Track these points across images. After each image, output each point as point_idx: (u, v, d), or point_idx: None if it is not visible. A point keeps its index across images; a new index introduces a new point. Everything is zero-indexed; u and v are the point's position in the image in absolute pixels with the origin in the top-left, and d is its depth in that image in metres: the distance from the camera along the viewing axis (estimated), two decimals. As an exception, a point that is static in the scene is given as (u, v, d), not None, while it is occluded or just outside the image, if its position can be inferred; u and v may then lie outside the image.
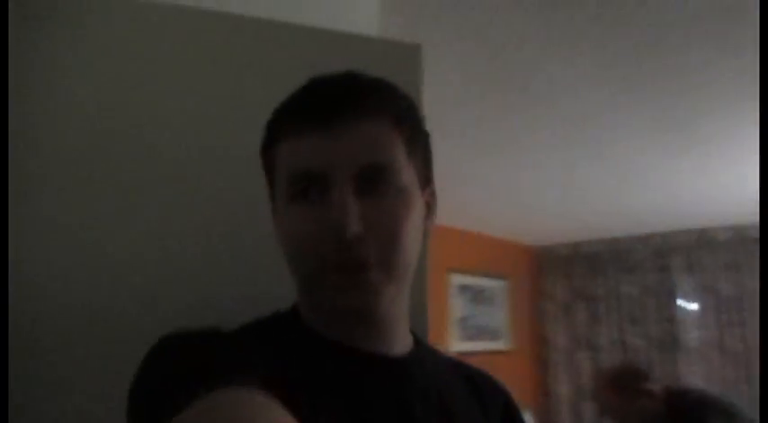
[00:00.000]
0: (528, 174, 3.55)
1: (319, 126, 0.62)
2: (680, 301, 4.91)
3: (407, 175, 0.64)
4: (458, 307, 4.67)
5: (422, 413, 0.65)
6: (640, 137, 2.94)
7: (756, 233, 4.59)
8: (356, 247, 0.59)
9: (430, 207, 0.71)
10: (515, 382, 4.75)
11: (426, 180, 0.69)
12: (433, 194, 0.71)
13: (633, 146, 3.07)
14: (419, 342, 0.74)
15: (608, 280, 5.23)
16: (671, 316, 4.89)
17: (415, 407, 0.65)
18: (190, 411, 0.45)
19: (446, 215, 4.04)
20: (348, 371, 0.64)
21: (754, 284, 4.55)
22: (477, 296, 4.84)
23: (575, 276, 5.40)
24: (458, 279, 4.73)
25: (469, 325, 4.70)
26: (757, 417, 2.19)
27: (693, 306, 4.85)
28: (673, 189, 3.82)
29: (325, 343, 0.66)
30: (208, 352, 0.56)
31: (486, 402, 0.75)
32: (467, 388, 0.75)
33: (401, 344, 0.69)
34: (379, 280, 0.62)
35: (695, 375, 4.67)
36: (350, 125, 0.61)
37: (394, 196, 0.62)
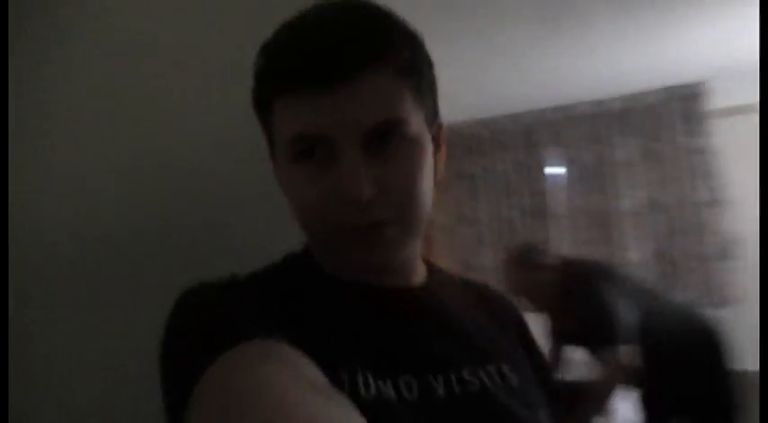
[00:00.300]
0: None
1: (320, 83, 0.56)
2: (548, 173, 5.31)
3: (416, 123, 0.61)
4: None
5: (441, 339, 0.66)
6: (514, 23, 3.03)
7: (615, 105, 4.98)
8: (370, 210, 0.58)
9: (438, 141, 0.68)
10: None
11: (434, 116, 0.66)
12: (440, 127, 0.68)
13: (507, 31, 3.16)
14: (433, 269, 0.75)
15: (483, 158, 5.52)
16: (541, 188, 5.31)
17: (433, 333, 0.66)
18: (216, 366, 0.47)
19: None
20: (367, 307, 0.64)
21: (612, 153, 5.01)
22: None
23: (452, 157, 5.63)
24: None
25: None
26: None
27: (561, 177, 5.28)
28: (540, 69, 4.01)
29: (341, 283, 0.66)
30: (230, 305, 0.56)
31: (500, 318, 0.77)
32: (480, 307, 0.76)
33: (416, 275, 0.70)
34: (396, 237, 0.61)
35: (564, 239, 5.18)
36: (354, 80, 0.56)
37: (405, 150, 0.60)
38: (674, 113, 4.79)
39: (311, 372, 0.48)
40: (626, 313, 2.22)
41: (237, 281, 0.62)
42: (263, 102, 0.62)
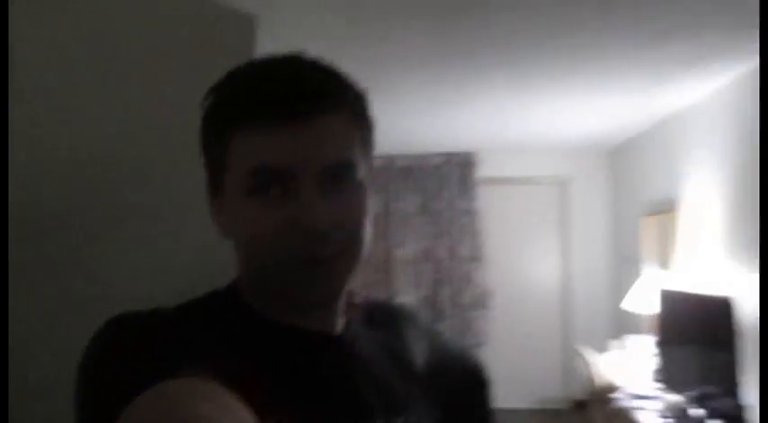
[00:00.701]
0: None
1: (286, 119, 0.58)
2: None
3: (363, 168, 0.64)
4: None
5: (360, 388, 0.66)
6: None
7: (402, 162, 5.49)
8: (324, 244, 0.59)
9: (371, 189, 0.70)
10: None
11: (371, 168, 0.69)
12: (372, 180, 0.69)
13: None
14: (351, 312, 0.74)
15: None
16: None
17: (354, 382, 0.66)
18: (139, 402, 0.44)
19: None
20: (295, 351, 0.64)
21: (397, 206, 5.47)
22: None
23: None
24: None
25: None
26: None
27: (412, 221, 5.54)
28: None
29: (270, 324, 0.65)
30: (155, 340, 0.55)
31: (410, 358, 0.77)
32: (394, 348, 0.76)
33: (340, 320, 0.70)
34: (341, 273, 0.63)
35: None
36: (316, 119, 0.59)
37: (353, 192, 0.62)
38: (450, 176, 5.44)
39: (241, 411, 0.46)
40: (423, 351, 2.49)
41: (162, 314, 0.61)
42: (219, 134, 0.61)
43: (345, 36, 2.62)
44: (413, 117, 4.19)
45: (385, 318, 0.81)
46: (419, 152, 5.40)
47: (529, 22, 2.43)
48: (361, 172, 0.63)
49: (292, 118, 0.58)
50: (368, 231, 0.64)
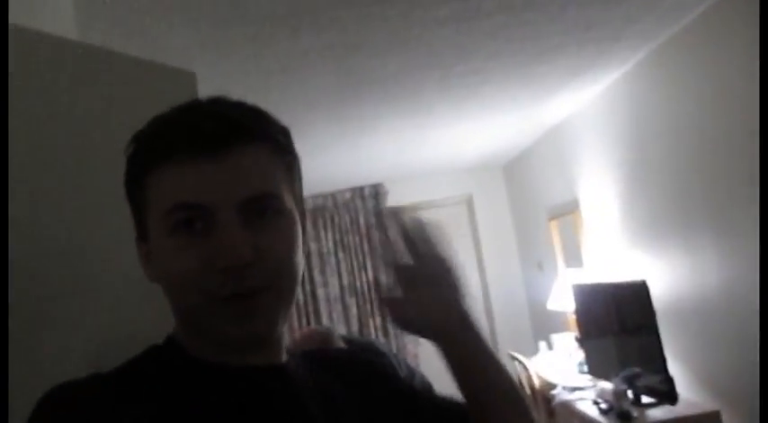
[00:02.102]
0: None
1: (201, 155, 0.58)
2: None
3: (288, 199, 0.63)
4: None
5: (314, 411, 0.65)
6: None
7: (308, 203, 5.55)
8: (248, 276, 0.58)
9: (303, 226, 0.69)
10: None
11: (301, 200, 0.69)
12: (303, 214, 0.69)
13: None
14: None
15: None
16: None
17: (307, 406, 0.65)
18: None
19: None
20: (241, 390, 0.63)
21: (312, 246, 5.53)
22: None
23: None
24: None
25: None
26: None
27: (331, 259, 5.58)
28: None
29: (210, 367, 0.64)
30: (94, 409, 0.55)
31: (352, 381, 0.75)
32: (334, 374, 0.74)
33: (282, 352, 0.69)
34: (272, 306, 0.61)
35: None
36: (233, 154, 0.59)
37: (279, 222, 0.61)
38: (362, 210, 5.55)
39: None
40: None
41: (100, 379, 0.59)
42: (139, 176, 0.62)
43: (253, 85, 2.69)
44: (319, 157, 4.28)
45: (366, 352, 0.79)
46: (329, 190, 5.50)
47: (421, 54, 2.60)
48: (288, 203, 0.63)
49: (209, 153, 0.58)
50: (299, 262, 0.63)
